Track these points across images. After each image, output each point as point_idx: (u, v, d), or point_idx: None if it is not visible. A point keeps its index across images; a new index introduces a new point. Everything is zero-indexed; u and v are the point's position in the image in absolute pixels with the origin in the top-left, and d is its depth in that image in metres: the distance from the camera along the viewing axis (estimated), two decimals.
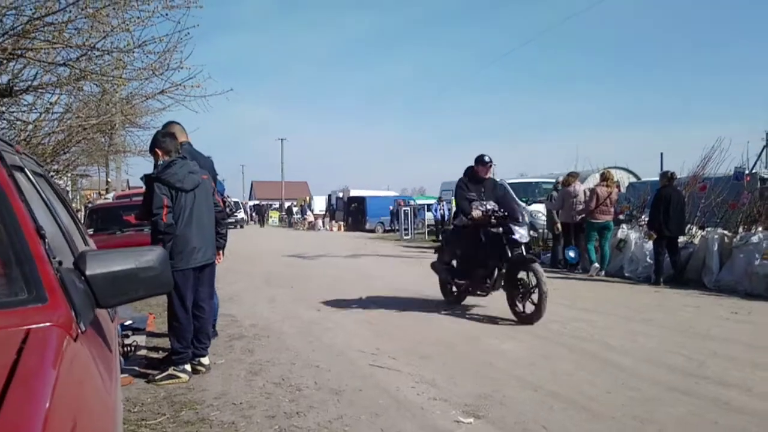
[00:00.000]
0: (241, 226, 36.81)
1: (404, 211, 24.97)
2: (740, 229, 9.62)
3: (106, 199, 17.82)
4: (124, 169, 23.83)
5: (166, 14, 6.22)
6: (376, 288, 9.46)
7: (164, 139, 4.56)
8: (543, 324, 6.42)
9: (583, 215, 11.13)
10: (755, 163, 14.00)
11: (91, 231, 9.62)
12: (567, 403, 3.89)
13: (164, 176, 4.38)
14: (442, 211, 22.90)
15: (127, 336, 5.54)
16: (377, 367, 4.77)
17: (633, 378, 4.42)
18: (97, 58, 6.58)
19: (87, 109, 8.77)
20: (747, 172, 10.89)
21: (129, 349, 5.18)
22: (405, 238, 23.96)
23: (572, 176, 11.88)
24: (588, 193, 11.29)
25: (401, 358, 5.02)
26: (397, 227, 26.69)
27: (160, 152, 4.50)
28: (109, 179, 24.01)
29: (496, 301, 7.96)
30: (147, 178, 4.49)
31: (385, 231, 30.58)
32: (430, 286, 9.58)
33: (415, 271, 12.03)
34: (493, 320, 6.72)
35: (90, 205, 15.94)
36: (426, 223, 26.09)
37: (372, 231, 31.23)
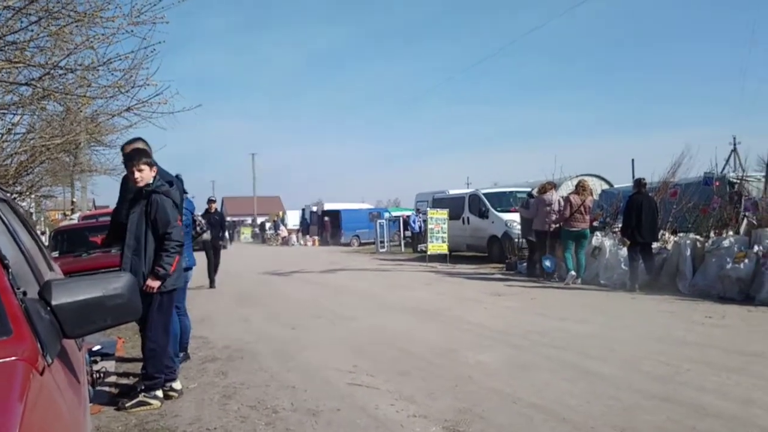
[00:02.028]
0: (225, 247, 31.90)
1: (380, 223, 24.98)
2: (712, 234, 9.77)
3: (71, 220, 17.46)
4: (90, 189, 23.47)
5: (132, 31, 6.11)
6: (351, 304, 9.39)
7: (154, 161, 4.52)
8: (521, 334, 6.43)
9: (558, 223, 11.24)
10: (724, 168, 14.32)
11: (56, 254, 9.40)
12: (547, 414, 3.86)
13: (171, 192, 4.36)
14: (419, 222, 22.88)
15: (96, 362, 5.37)
16: (355, 386, 4.69)
17: (612, 386, 4.41)
18: (61, 76, 6.45)
19: (50, 129, 8.60)
20: (716, 177, 11.09)
21: (98, 375, 5.02)
22: (381, 251, 23.92)
23: (549, 185, 12.03)
24: (562, 201, 11.41)
25: (379, 375, 4.95)
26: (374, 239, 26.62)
27: (155, 171, 4.40)
28: (74, 199, 23.59)
29: (471, 312, 7.97)
30: (149, 192, 4.34)
31: (360, 244, 30.51)
32: (407, 300, 9.56)
33: (391, 285, 12.00)
34: (469, 332, 6.69)
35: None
36: (402, 235, 26.10)
37: (347, 244, 31.13)
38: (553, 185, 12.21)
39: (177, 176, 5.00)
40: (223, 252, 12.83)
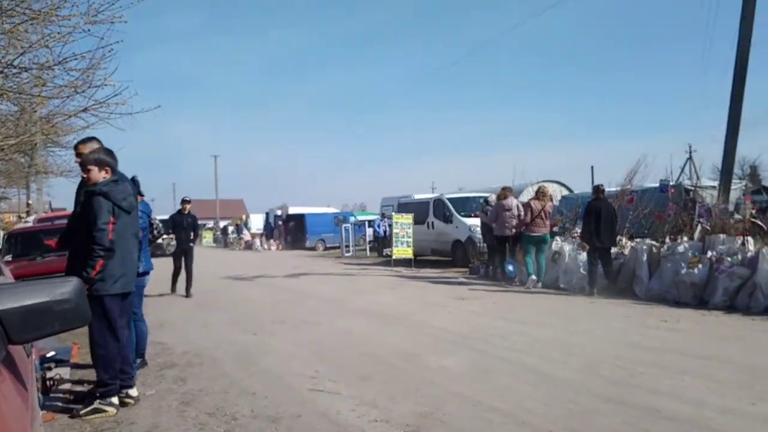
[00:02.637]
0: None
1: (345, 227, 24.91)
2: (667, 240, 10.03)
3: (26, 222, 16.93)
4: (45, 191, 22.84)
5: (89, 30, 5.99)
6: (315, 309, 9.34)
7: (113, 160, 4.40)
8: (483, 338, 6.49)
9: (519, 228, 11.43)
10: (679, 176, 14.76)
11: (9, 257, 9.12)
12: (507, 418, 3.90)
13: (111, 193, 4.19)
14: (384, 227, 22.91)
15: (50, 369, 5.20)
16: (317, 391, 4.65)
17: (570, 390, 4.48)
18: (15, 75, 6.28)
19: (5, 129, 8.34)
20: (671, 184, 11.40)
21: (51, 383, 4.87)
22: (346, 255, 23.86)
23: (507, 190, 12.27)
24: (521, 207, 11.63)
25: (341, 380, 4.93)
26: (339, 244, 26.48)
27: (109, 171, 4.30)
28: (29, 202, 22.91)
29: (435, 316, 8.01)
30: (89, 192, 4.24)
31: (326, 248, 30.36)
32: (371, 304, 9.55)
33: (356, 289, 11.97)
34: (433, 336, 6.72)
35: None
36: (367, 240, 26.09)
37: (312, 249, 30.95)
38: (511, 190, 12.47)
39: (133, 178, 4.91)
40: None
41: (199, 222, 12.49)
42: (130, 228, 4.43)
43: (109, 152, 4.49)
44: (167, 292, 11.54)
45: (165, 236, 9.77)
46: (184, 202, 11.72)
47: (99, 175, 4.27)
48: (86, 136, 4.98)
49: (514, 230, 11.72)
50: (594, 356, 5.55)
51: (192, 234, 11.61)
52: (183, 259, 11.40)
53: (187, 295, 11.17)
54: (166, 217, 12.26)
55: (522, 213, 11.59)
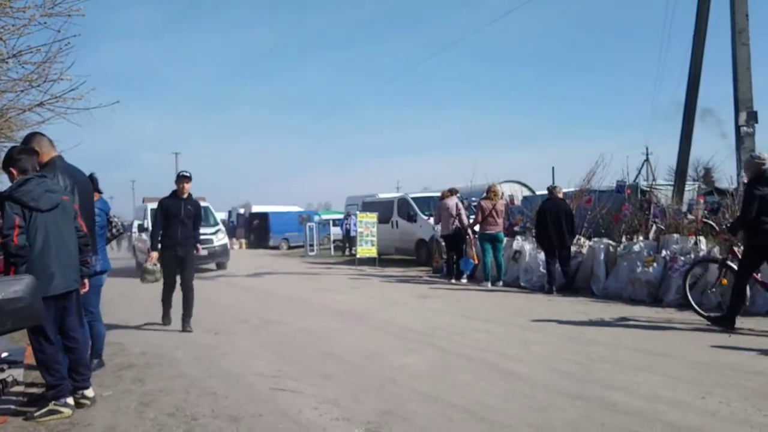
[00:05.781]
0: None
1: (309, 226, 24.81)
2: (623, 239, 10.29)
3: None
4: None
5: (45, 22, 5.82)
6: (278, 308, 9.29)
7: (20, 157, 4.17)
8: (444, 336, 6.56)
9: (456, 226, 12.14)
10: (636, 177, 15.15)
11: None
12: (466, 414, 3.96)
13: (16, 194, 3.98)
14: (348, 225, 22.96)
15: (2, 370, 5.08)
16: (278, 390, 4.64)
17: (528, 386, 4.57)
18: None
19: None
20: (628, 184, 11.69)
21: (3, 384, 4.74)
22: (310, 254, 23.77)
23: (450, 192, 12.59)
24: (460, 206, 12.25)
25: (304, 380, 4.93)
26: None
27: (15, 171, 4.12)
28: None
29: (398, 314, 8.05)
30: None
31: (289, 247, 30.19)
32: (334, 303, 9.55)
33: (319, 288, 11.94)
34: (395, 334, 6.76)
35: None
36: (332, 238, 26.04)
37: (276, 248, 30.74)
38: (454, 192, 12.81)
39: (90, 175, 4.80)
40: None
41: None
42: (60, 225, 4.14)
43: (24, 150, 4.28)
44: (151, 321, 7.99)
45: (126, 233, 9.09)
46: (182, 179, 7.55)
47: (13, 177, 4.13)
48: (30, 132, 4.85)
49: (451, 228, 12.20)
50: (551, 352, 5.67)
51: (194, 229, 7.68)
52: (179, 269, 7.51)
53: (185, 327, 7.34)
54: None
55: (461, 212, 12.20)
